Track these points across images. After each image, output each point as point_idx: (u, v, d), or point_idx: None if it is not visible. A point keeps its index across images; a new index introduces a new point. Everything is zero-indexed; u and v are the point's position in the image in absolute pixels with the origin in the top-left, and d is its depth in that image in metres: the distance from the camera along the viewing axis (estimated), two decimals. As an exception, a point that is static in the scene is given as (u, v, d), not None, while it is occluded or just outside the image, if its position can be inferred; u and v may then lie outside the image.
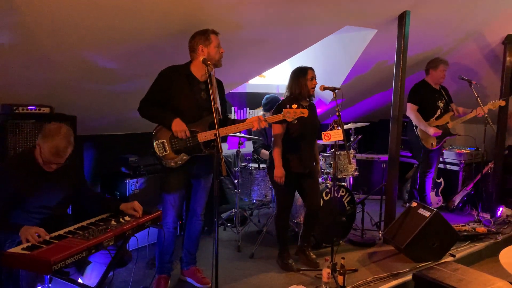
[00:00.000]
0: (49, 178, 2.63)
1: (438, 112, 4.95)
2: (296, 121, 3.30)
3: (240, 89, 5.28)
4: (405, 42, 4.20)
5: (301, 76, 3.63)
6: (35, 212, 2.62)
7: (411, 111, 4.91)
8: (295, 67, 3.74)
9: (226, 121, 3.27)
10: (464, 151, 5.79)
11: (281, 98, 3.81)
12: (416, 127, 4.94)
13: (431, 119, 4.92)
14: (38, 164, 2.58)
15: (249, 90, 5.59)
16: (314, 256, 3.84)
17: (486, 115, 4.74)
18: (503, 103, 4.93)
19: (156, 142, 3.13)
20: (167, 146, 3.12)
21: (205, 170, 3.29)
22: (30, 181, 2.56)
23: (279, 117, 3.20)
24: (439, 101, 4.98)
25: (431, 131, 4.82)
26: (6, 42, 2.85)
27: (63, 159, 2.58)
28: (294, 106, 3.16)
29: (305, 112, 3.20)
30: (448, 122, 4.96)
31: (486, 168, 5.45)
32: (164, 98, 3.10)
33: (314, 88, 3.64)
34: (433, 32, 4.85)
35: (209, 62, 2.96)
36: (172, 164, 3.13)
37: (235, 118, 5.49)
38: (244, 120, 3.18)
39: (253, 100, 5.63)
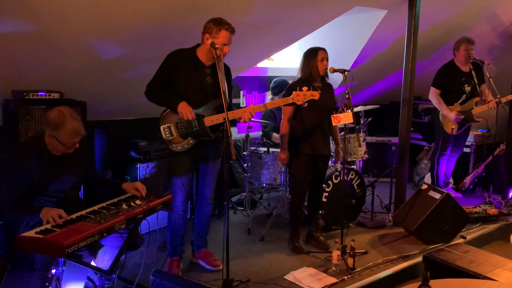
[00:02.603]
0: (60, 163, 2.65)
1: (464, 96, 4.82)
2: (306, 104, 3.26)
3: (249, 72, 5.25)
4: (415, 23, 4.13)
5: (312, 57, 3.58)
6: (49, 196, 2.66)
7: (432, 95, 4.83)
8: (306, 49, 3.70)
9: (231, 107, 3.26)
10: (475, 132, 5.72)
11: (290, 81, 3.78)
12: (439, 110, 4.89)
13: (455, 104, 4.80)
14: (48, 150, 2.60)
15: (257, 73, 5.56)
16: (323, 239, 3.86)
17: (499, 96, 4.65)
18: None
19: (163, 126, 3.14)
20: (173, 130, 3.13)
21: (212, 154, 3.30)
22: (41, 167, 2.59)
23: (288, 100, 3.17)
24: (466, 85, 4.81)
25: (452, 115, 4.73)
26: (16, 29, 2.86)
27: (82, 133, 2.61)
28: (305, 88, 3.13)
29: (316, 95, 3.16)
30: (472, 108, 4.83)
31: (498, 150, 5.39)
32: (170, 81, 3.10)
33: (325, 69, 3.58)
34: (445, 11, 4.76)
35: (217, 46, 2.93)
36: (179, 148, 3.14)
37: (244, 102, 5.48)
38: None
39: (261, 83, 5.60)
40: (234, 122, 5.15)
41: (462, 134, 5.01)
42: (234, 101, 5.26)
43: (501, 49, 5.67)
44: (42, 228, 2.30)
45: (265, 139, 4.61)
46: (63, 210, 2.41)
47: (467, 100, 4.84)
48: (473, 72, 4.86)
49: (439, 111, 4.90)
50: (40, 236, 2.20)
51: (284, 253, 3.74)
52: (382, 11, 4.47)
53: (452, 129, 4.82)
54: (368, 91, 6.40)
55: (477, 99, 4.88)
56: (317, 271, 3.35)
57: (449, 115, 4.76)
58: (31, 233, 2.25)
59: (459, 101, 4.82)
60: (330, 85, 3.78)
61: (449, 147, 5.01)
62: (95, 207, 2.62)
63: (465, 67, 4.84)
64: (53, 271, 2.61)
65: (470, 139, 5.59)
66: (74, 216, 2.47)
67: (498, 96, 4.64)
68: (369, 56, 5.24)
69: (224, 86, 2.91)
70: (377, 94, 6.62)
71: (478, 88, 4.88)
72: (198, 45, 3.15)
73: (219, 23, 3.00)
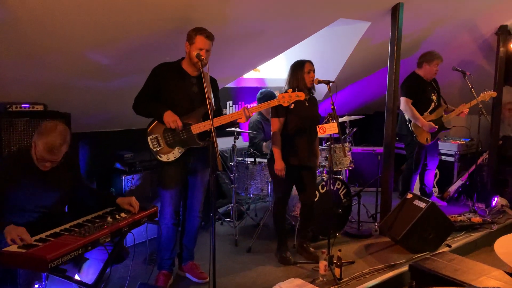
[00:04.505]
0: (45, 178, 2.61)
1: (432, 105, 4.86)
2: (293, 105, 3.27)
3: (235, 83, 5.26)
4: (398, 34, 4.20)
5: (298, 69, 3.63)
6: (31, 211, 2.61)
7: (406, 105, 4.75)
8: (293, 61, 3.73)
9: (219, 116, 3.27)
10: (459, 142, 5.81)
11: (276, 92, 3.81)
12: (410, 121, 4.82)
13: (425, 113, 4.82)
14: (35, 164, 2.56)
15: (243, 84, 5.58)
16: (313, 250, 3.85)
17: (480, 105, 4.73)
18: (494, 94, 4.87)
19: (150, 137, 3.13)
20: (161, 141, 3.12)
21: (201, 165, 3.28)
22: (26, 181, 2.54)
23: (274, 102, 3.21)
24: (432, 94, 4.88)
25: (428, 127, 4.73)
26: (-2, 40, 2.84)
27: (58, 156, 2.56)
28: (290, 90, 3.18)
29: (301, 95, 3.21)
30: (442, 116, 4.90)
31: (481, 159, 5.48)
32: (157, 94, 3.12)
33: (312, 81, 3.63)
34: (427, 23, 4.85)
35: (203, 57, 2.95)
36: (168, 158, 3.12)
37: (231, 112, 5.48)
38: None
39: (248, 94, 5.62)
40: (222, 133, 5.16)
41: (433, 143, 5.00)
42: (223, 111, 5.26)
43: (481, 60, 5.79)
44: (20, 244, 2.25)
45: (251, 150, 4.61)
46: (25, 229, 2.32)
47: (436, 108, 4.89)
48: (433, 83, 4.95)
49: (408, 123, 4.83)
50: (23, 250, 2.17)
51: (272, 264, 3.73)
52: (365, 23, 4.54)
53: (426, 139, 4.83)
54: (352, 101, 6.47)
55: (444, 106, 4.95)
56: (304, 282, 3.33)
57: (424, 126, 4.74)
58: (13, 248, 2.21)
59: (429, 110, 4.86)
60: (315, 98, 3.84)
61: (421, 161, 4.97)
62: (80, 220, 2.59)
63: (427, 79, 4.87)
64: (36, 286, 2.55)
65: (453, 148, 5.69)
66: (57, 229, 2.44)
67: (480, 106, 4.73)
68: (353, 65, 5.29)
69: (209, 93, 2.92)
70: (361, 104, 6.69)
71: (441, 97, 4.95)
72: (183, 58, 3.18)
73: (196, 30, 3.05)
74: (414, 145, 4.88)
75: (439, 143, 5.49)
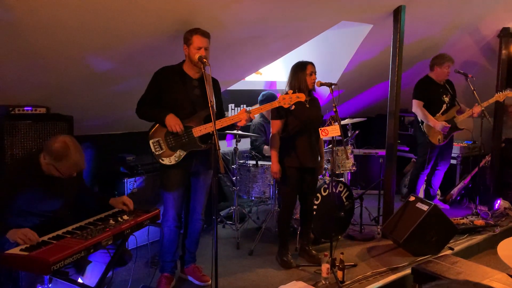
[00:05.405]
0: (52, 184, 2.60)
1: (444, 106, 4.89)
2: (293, 106, 3.28)
3: (237, 86, 5.27)
4: (400, 37, 4.20)
5: (300, 71, 3.62)
6: (36, 215, 2.61)
7: (417, 107, 4.83)
8: (294, 63, 3.73)
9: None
10: (461, 144, 5.80)
11: (278, 94, 3.80)
12: (422, 123, 4.86)
13: (437, 115, 4.84)
14: (42, 170, 2.55)
15: (245, 87, 5.58)
16: (315, 252, 3.84)
17: (483, 108, 4.73)
18: (510, 94, 4.80)
19: (152, 141, 3.13)
20: (163, 144, 3.13)
21: (203, 167, 3.29)
22: (32, 187, 2.54)
23: (275, 104, 3.22)
24: (444, 96, 4.90)
25: (439, 126, 4.75)
26: (1, 44, 2.84)
27: (82, 169, 2.64)
28: (290, 91, 3.18)
29: (302, 96, 3.22)
30: (455, 117, 4.91)
31: (483, 161, 5.47)
32: (159, 97, 3.13)
33: (313, 83, 3.63)
34: (429, 26, 4.85)
35: (205, 60, 2.96)
36: (170, 161, 3.12)
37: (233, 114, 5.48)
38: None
39: (250, 97, 5.63)
40: (224, 135, 5.17)
41: (447, 145, 5.04)
42: (226, 114, 5.28)
43: (483, 63, 5.79)
44: (27, 245, 2.26)
45: (253, 152, 4.61)
46: (29, 229, 2.33)
47: (448, 109, 4.91)
48: (446, 85, 4.97)
49: (421, 124, 4.89)
50: (25, 253, 2.16)
51: (274, 267, 3.72)
52: (367, 26, 4.55)
53: (439, 139, 4.85)
54: (355, 104, 6.46)
55: (457, 107, 4.96)
56: (306, 284, 3.33)
57: (436, 126, 4.77)
58: (15, 250, 2.21)
59: (441, 111, 4.88)
60: (316, 99, 3.83)
61: (431, 161, 5.01)
62: (82, 223, 2.59)
63: (440, 81, 4.92)
64: (38, 288, 2.56)
65: (456, 151, 5.67)
66: (60, 232, 2.44)
67: (483, 108, 4.72)
68: (355, 67, 5.30)
69: (211, 96, 2.92)
70: (364, 107, 6.69)
71: (456, 98, 4.96)
72: (184, 61, 3.18)
73: (191, 31, 3.07)
74: (426, 145, 4.90)
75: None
